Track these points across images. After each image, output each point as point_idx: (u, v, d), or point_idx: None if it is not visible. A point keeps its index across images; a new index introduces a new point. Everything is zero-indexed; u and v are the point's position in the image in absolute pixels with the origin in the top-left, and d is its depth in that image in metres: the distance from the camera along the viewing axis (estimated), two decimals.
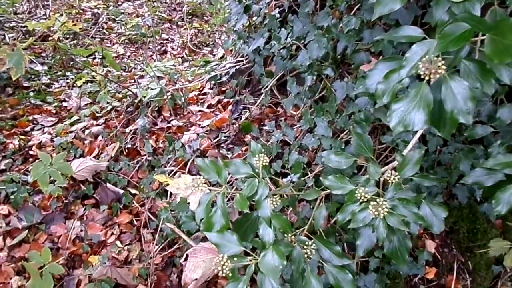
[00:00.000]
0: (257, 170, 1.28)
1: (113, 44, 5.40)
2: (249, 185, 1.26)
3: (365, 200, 1.18)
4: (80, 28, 2.53)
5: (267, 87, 2.32)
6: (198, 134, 2.26)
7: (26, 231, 2.24)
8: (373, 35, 1.58)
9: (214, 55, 4.87)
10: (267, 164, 1.26)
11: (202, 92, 2.77)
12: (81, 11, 6.24)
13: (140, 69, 4.44)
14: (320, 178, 1.29)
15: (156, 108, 2.62)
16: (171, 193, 2.06)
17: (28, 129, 3.08)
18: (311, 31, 1.76)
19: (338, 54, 1.67)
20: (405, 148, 1.34)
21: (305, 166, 1.82)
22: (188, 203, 1.83)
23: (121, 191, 2.29)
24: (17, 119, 3.22)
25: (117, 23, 6.00)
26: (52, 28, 2.58)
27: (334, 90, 1.71)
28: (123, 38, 5.44)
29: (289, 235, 1.30)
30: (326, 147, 1.75)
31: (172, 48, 5.36)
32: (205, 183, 1.23)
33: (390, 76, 0.96)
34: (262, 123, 2.26)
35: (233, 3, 2.42)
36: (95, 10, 6.24)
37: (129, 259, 2.09)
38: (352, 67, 1.70)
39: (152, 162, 2.31)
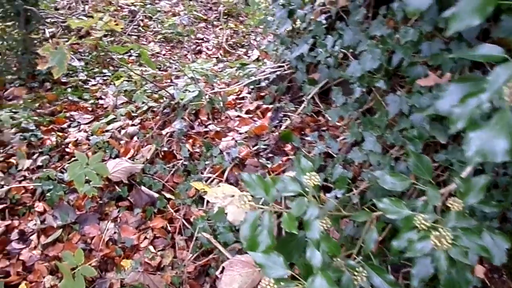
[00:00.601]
0: (306, 189, 1.21)
1: (149, 42, 5.41)
2: (298, 205, 1.19)
3: (425, 228, 1.09)
4: (121, 28, 2.50)
5: (309, 95, 2.24)
6: (236, 140, 2.20)
7: (61, 230, 2.22)
8: (432, 47, 1.49)
9: (249, 56, 4.82)
10: (318, 183, 1.18)
11: (240, 96, 2.71)
12: (119, 8, 6.29)
13: (175, 68, 4.44)
14: (374, 200, 1.21)
15: (194, 111, 2.58)
16: (207, 201, 2.00)
17: (65, 125, 3.09)
18: (363, 41, 1.67)
19: (392, 67, 1.58)
20: (461, 168, 1.25)
21: (350, 181, 1.74)
22: (226, 214, 1.77)
23: (156, 195, 2.25)
24: (55, 115, 3.23)
25: (153, 21, 6.02)
26: (93, 25, 2.56)
27: (385, 103, 1.62)
28: (159, 36, 5.44)
29: (338, 259, 1.22)
30: (373, 163, 1.67)
31: (207, 48, 5.33)
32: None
33: (467, 100, 0.87)
34: (302, 133, 2.19)
35: (277, 7, 2.35)
36: (132, 8, 6.28)
37: (162, 266, 2.05)
38: (406, 80, 1.61)
39: (188, 167, 2.26)
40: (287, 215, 1.18)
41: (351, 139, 1.80)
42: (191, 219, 2.09)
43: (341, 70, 1.85)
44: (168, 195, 2.25)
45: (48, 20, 4.92)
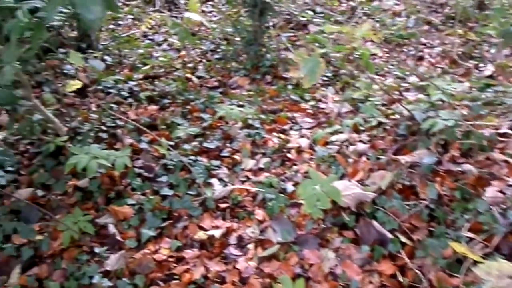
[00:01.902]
0: None
1: (365, 41, 5.10)
2: None
3: None
4: (378, 37, 2.23)
5: None
6: (506, 196, 1.75)
7: (278, 246, 2.09)
8: None
9: (480, 71, 4.16)
10: None
11: (500, 132, 2.22)
12: (338, 2, 6.10)
13: (395, 74, 4.05)
14: None
15: (442, 142, 2.19)
16: (468, 268, 1.62)
17: (286, 127, 2.99)
18: None
19: None
20: None
21: None
22: None
23: (389, 235, 1.95)
24: (276, 114, 3.16)
25: (372, 19, 5.68)
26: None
27: None
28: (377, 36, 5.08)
29: None
30: None
31: (430, 55, 4.80)
32: None
33: None
34: None
35: None
36: (352, 3, 6.03)
37: None
38: None
39: (436, 213, 1.90)
40: None
41: None
42: (431, 279, 1.74)
43: None
44: (403, 238, 1.93)
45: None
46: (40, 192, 2.40)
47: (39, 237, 2.20)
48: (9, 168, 2.48)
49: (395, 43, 4.99)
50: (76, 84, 2.73)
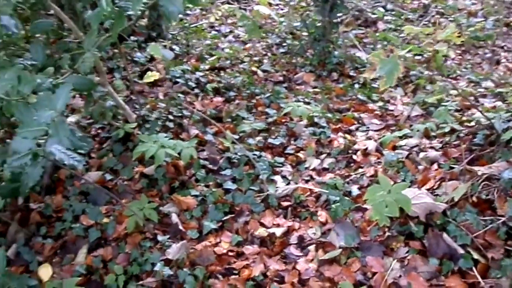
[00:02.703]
0: None
1: (436, 42, 4.88)
2: None
3: None
4: (462, 41, 2.12)
5: None
6: None
7: (340, 250, 2.03)
8: None
9: None
10: None
11: None
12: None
13: (468, 78, 3.85)
14: None
15: None
16: None
17: (353, 127, 2.91)
18: None
19: None
20: None
21: None
22: None
23: (460, 250, 1.85)
24: (342, 113, 3.09)
25: (445, 18, 5.43)
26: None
27: None
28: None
29: None
30: None
31: (507, 59, 4.53)
32: None
33: None
34: None
35: None
36: (424, 1, 5.79)
37: None
38: None
39: None
40: None
41: None
42: None
43: None
44: (476, 255, 1.82)
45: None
46: (108, 176, 2.47)
47: (105, 220, 2.27)
48: (81, 151, 2.58)
49: (470, 44, 4.75)
50: (154, 75, 2.79)
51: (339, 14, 3.88)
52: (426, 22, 5.25)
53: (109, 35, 2.05)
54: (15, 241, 2.26)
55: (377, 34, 4.62)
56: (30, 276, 2.02)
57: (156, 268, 2.00)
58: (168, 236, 2.16)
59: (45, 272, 2.07)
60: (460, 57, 4.55)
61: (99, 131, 2.77)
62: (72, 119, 2.66)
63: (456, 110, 2.85)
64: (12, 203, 2.45)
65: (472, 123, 2.58)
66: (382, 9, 5.16)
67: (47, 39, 2.13)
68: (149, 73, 2.79)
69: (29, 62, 1.84)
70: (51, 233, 2.28)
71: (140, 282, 1.98)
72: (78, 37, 2.14)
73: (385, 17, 5.02)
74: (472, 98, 3.09)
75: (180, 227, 2.21)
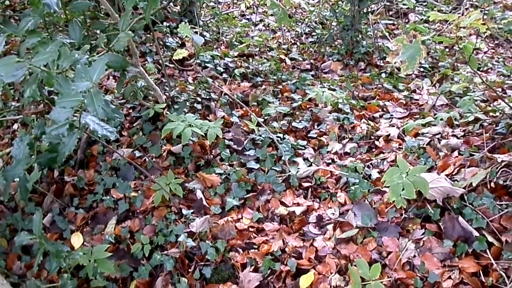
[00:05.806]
0: None
1: (470, 35, 4.81)
2: None
3: None
4: (487, 28, 2.13)
5: None
6: None
7: (357, 230, 2.09)
8: None
9: None
10: None
11: None
12: None
13: (498, 72, 3.80)
14: None
15: None
16: None
17: (376, 115, 2.94)
18: None
19: None
20: None
21: None
22: None
23: (475, 233, 1.88)
24: (367, 101, 3.12)
25: (480, 11, 5.33)
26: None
27: None
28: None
29: None
30: None
31: None
32: None
33: None
34: None
35: None
36: None
37: None
38: None
39: None
40: None
41: None
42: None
43: None
44: (490, 238, 1.86)
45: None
46: (137, 153, 2.60)
47: (133, 193, 2.40)
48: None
49: (504, 38, 4.66)
50: (182, 53, 2.90)
51: (372, 4, 3.89)
52: (459, 15, 5.17)
53: (142, 17, 2.15)
54: (51, 210, 2.43)
55: (407, 26, 4.60)
56: (63, 243, 2.17)
57: (180, 239, 2.11)
58: (192, 211, 2.27)
59: (76, 240, 2.22)
60: (493, 50, 4.48)
61: (130, 110, 2.90)
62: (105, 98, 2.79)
63: (483, 101, 2.84)
64: (48, 175, 2.62)
65: (497, 114, 2.57)
66: (413, 1, 5.11)
67: (84, 20, 2.25)
68: (178, 50, 2.90)
69: (68, 40, 1.95)
70: (83, 205, 2.43)
71: (165, 252, 2.10)
72: (114, 18, 2.26)
73: (417, 9, 4.97)
74: (499, 89, 3.07)
75: (204, 202, 2.32)
